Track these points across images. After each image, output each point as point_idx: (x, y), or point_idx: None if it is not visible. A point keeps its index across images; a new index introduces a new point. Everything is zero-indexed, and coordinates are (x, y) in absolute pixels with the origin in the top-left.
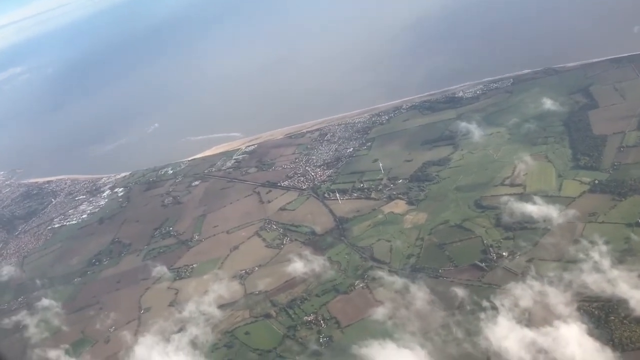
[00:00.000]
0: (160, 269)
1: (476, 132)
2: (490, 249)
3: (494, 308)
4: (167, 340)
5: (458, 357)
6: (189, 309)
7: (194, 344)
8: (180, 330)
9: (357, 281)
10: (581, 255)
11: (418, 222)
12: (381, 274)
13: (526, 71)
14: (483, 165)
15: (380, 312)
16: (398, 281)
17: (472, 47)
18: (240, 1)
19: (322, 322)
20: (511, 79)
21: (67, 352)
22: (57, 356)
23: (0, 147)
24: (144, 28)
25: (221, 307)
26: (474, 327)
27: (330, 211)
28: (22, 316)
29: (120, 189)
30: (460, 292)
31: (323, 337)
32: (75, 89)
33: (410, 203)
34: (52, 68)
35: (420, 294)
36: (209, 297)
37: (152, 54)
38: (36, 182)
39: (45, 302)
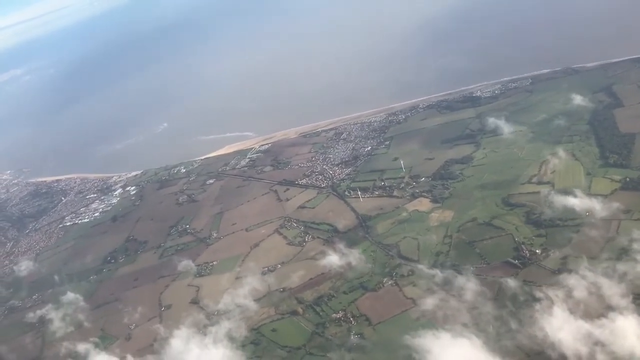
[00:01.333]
0: (179, 266)
1: (498, 130)
2: (522, 246)
3: (548, 299)
4: (202, 334)
5: (513, 348)
6: (213, 305)
7: (224, 339)
8: (207, 325)
9: (385, 278)
10: (622, 250)
11: (445, 220)
12: (411, 270)
13: (545, 71)
14: (508, 164)
15: (417, 308)
16: (438, 275)
17: (488, 46)
18: (251, 1)
19: (351, 319)
20: (530, 79)
21: (96, 345)
22: (85, 349)
23: (5, 147)
24: (147, 29)
25: (245, 304)
26: (528, 318)
27: (352, 209)
28: (48, 310)
29: (133, 188)
30: (512, 283)
31: (354, 334)
32: (79, 90)
33: (434, 201)
34: (54, 69)
35: (468, 286)
36: (232, 294)
37: (157, 55)
38: (44, 181)
39: (69, 296)
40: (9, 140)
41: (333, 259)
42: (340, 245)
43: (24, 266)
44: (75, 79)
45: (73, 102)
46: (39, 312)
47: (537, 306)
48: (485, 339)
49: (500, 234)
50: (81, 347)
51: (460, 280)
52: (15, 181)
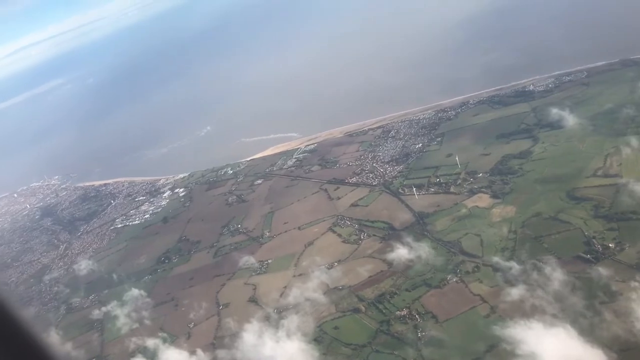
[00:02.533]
0: (234, 265)
1: (556, 124)
2: (593, 240)
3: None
4: (274, 327)
5: (610, 339)
6: (273, 303)
7: (297, 333)
8: (275, 320)
9: (449, 275)
10: None
11: (507, 216)
12: (476, 266)
13: (600, 63)
14: (569, 157)
15: (487, 305)
16: (515, 267)
17: (536, 41)
18: (286, 5)
19: (417, 316)
20: (585, 72)
21: (164, 340)
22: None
23: (51, 153)
24: (183, 37)
25: (304, 301)
26: (623, 308)
27: (407, 206)
28: (112, 307)
29: (181, 189)
30: (603, 271)
31: (421, 332)
32: (120, 97)
33: (495, 196)
34: (93, 78)
35: (554, 276)
36: (291, 292)
37: (196, 60)
38: (93, 185)
39: (131, 294)
40: (55, 147)
41: (401, 253)
42: (406, 240)
43: (84, 265)
44: (115, 87)
45: (115, 108)
46: (102, 310)
47: (634, 296)
48: (579, 330)
49: (568, 228)
50: (150, 342)
51: (544, 271)
52: (64, 186)
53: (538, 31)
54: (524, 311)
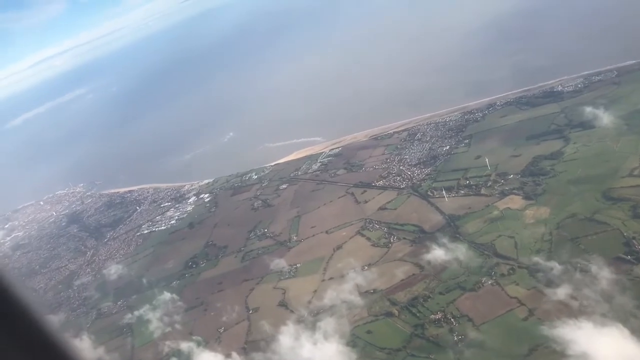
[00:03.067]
0: (262, 269)
1: (587, 124)
2: (633, 241)
3: None
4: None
5: None
6: (303, 307)
7: (334, 335)
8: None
9: (484, 278)
10: None
11: (541, 217)
12: (511, 268)
13: (631, 62)
14: (602, 157)
15: (525, 307)
16: (556, 267)
17: (563, 41)
18: (308, 10)
19: (452, 320)
20: (614, 71)
21: (198, 343)
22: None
23: (75, 161)
24: (204, 44)
25: (336, 305)
26: None
27: (437, 209)
28: (145, 311)
29: (206, 195)
30: None
31: (457, 335)
32: (142, 105)
33: (527, 198)
34: (116, 87)
35: (601, 275)
36: (322, 296)
37: (217, 67)
38: (117, 192)
39: (163, 297)
40: (79, 155)
41: (437, 254)
42: (429, 246)
43: (112, 270)
44: (137, 95)
45: (137, 117)
46: (133, 314)
47: None
48: (631, 329)
49: (605, 229)
50: (183, 346)
51: (589, 270)
52: (89, 193)
53: (563, 32)
54: (571, 311)
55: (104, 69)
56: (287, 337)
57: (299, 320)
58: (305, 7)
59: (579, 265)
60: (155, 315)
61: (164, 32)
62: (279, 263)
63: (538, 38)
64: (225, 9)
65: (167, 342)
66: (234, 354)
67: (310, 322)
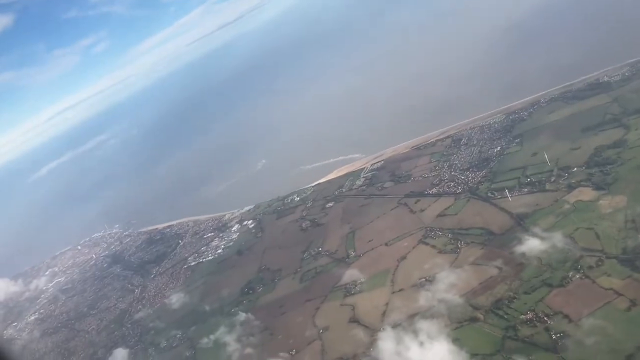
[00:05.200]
0: (324, 288)
1: None
2: None
3: None
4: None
5: None
6: (376, 322)
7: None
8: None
9: (571, 273)
10: None
11: (618, 206)
12: (599, 260)
13: None
14: None
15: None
16: None
17: (599, 33)
18: (330, 31)
19: (545, 318)
20: None
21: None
22: None
23: (107, 204)
24: (218, 81)
25: (412, 316)
26: None
27: (502, 209)
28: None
29: (250, 221)
30: None
31: (555, 334)
32: (167, 143)
33: (598, 188)
34: (137, 130)
35: None
36: (395, 309)
37: (235, 101)
38: (156, 229)
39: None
40: (110, 198)
41: (499, 262)
42: (502, 248)
43: (170, 302)
44: (160, 135)
45: (163, 155)
46: (196, 346)
47: None
48: None
49: None
50: None
51: None
52: (126, 233)
53: (589, 26)
54: None
55: (121, 115)
56: (388, 343)
57: (372, 336)
58: (310, 36)
59: None
60: (219, 344)
61: (174, 74)
62: (342, 280)
63: (565, 34)
64: (228, 48)
65: None
66: None
67: (391, 337)
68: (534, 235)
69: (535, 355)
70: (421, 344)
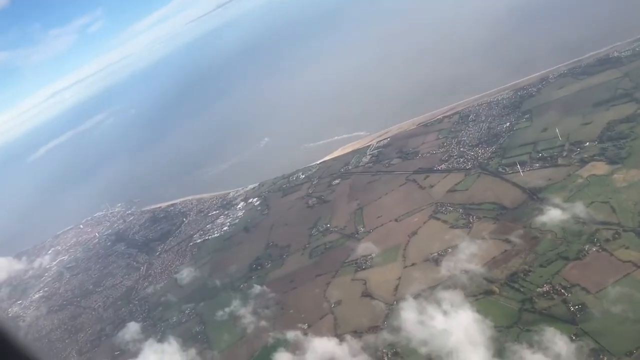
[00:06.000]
0: (335, 263)
1: None
2: None
3: None
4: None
5: None
6: (389, 296)
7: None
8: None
9: (587, 246)
10: None
11: (633, 179)
12: (616, 233)
13: None
14: None
15: None
16: None
17: (598, 12)
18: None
19: (562, 290)
20: None
21: (304, 332)
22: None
23: (108, 183)
24: (218, 61)
25: (425, 290)
26: None
27: (514, 184)
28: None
29: (255, 199)
30: None
31: (573, 305)
32: (166, 122)
33: (612, 163)
34: (135, 109)
35: None
36: (408, 283)
37: (236, 80)
38: (159, 207)
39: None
40: (111, 177)
41: (513, 236)
42: (516, 222)
43: (175, 279)
44: (159, 114)
45: (163, 134)
46: (204, 319)
47: None
48: None
49: None
50: (290, 335)
51: None
52: (129, 211)
53: (596, 3)
54: None
55: (118, 95)
56: (410, 313)
57: (388, 308)
58: (309, 17)
59: None
60: (229, 319)
61: (172, 54)
62: (352, 255)
63: (573, 10)
64: (228, 28)
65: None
66: (348, 336)
67: (412, 307)
68: (555, 205)
69: (554, 326)
70: (445, 312)
